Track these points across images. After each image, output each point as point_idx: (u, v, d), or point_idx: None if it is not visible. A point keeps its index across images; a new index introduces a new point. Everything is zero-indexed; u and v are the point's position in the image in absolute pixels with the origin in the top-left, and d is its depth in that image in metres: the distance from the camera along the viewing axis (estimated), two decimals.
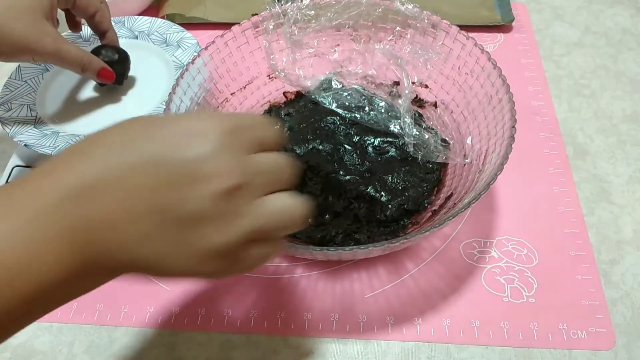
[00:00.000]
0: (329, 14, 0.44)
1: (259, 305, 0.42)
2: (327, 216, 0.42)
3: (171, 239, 0.23)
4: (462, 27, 0.43)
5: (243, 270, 0.26)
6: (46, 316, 0.43)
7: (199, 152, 0.23)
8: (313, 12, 0.44)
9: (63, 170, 0.23)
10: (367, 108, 0.44)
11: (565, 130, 0.52)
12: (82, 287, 0.26)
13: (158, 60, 0.56)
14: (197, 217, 0.23)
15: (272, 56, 0.44)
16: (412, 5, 0.44)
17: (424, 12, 0.44)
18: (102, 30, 0.51)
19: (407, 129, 0.41)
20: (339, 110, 0.44)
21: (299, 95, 0.50)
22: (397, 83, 0.46)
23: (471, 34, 0.43)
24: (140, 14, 0.61)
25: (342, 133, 0.45)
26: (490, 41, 0.61)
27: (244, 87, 0.48)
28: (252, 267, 0.26)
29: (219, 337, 0.41)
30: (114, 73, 0.51)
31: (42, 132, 0.49)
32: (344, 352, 0.40)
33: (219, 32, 0.45)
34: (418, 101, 0.49)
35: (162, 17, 0.63)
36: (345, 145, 0.44)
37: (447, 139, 0.45)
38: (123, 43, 0.57)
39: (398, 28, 0.46)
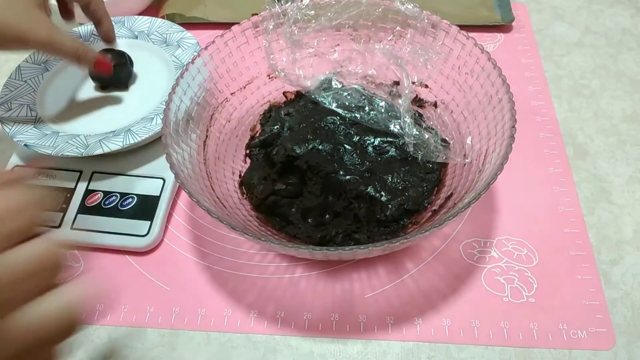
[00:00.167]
0: (329, 14, 0.44)
1: (259, 305, 0.42)
2: (327, 216, 0.42)
3: None
4: (462, 27, 0.43)
5: None
6: None
7: None
8: (313, 12, 0.44)
9: None
10: (367, 108, 0.44)
11: (565, 130, 0.52)
12: None
13: (158, 60, 0.56)
14: None
15: (272, 56, 0.44)
16: (412, 5, 0.44)
17: (424, 12, 0.44)
18: (97, 18, 0.50)
19: (407, 129, 0.41)
20: (339, 110, 0.44)
21: (299, 95, 0.50)
22: (397, 83, 0.46)
23: (471, 34, 0.43)
24: (140, 14, 0.61)
25: (342, 133, 0.45)
26: (490, 41, 0.61)
27: (244, 87, 0.48)
28: None
29: (219, 337, 0.41)
30: (112, 66, 0.51)
31: (42, 132, 0.49)
32: (344, 352, 0.40)
33: (219, 32, 0.45)
34: (418, 101, 0.49)
35: (162, 17, 0.63)
36: (345, 145, 0.44)
37: (447, 139, 0.45)
38: (123, 43, 0.57)
39: (398, 28, 0.46)
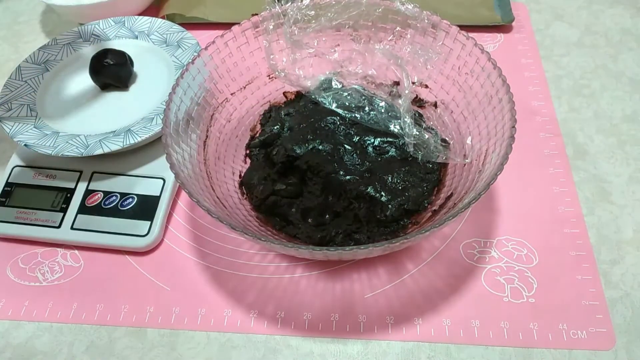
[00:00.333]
0: (329, 14, 0.44)
1: (259, 305, 0.42)
2: (327, 216, 0.42)
3: None
4: (462, 27, 0.43)
5: None
6: (46, 316, 0.43)
7: None
8: (313, 12, 0.44)
9: None
10: (367, 108, 0.44)
11: (565, 130, 0.52)
12: None
13: (158, 60, 0.56)
14: None
15: (272, 56, 0.44)
16: (412, 5, 0.44)
17: (424, 12, 0.44)
18: None
19: (407, 129, 0.41)
20: (339, 110, 0.44)
21: (299, 95, 0.50)
22: (397, 83, 0.46)
23: (471, 34, 0.43)
24: (140, 14, 0.61)
25: (342, 133, 0.45)
26: (490, 41, 0.61)
27: (244, 87, 0.48)
28: None
29: (219, 337, 0.41)
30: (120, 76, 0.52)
31: (42, 132, 0.49)
32: (344, 352, 0.40)
33: (219, 32, 0.45)
34: (418, 101, 0.49)
35: (162, 17, 0.63)
36: (345, 145, 0.44)
37: (447, 139, 0.45)
38: (123, 43, 0.57)
39: (398, 28, 0.46)
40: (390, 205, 0.42)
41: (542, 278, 0.42)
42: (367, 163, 0.44)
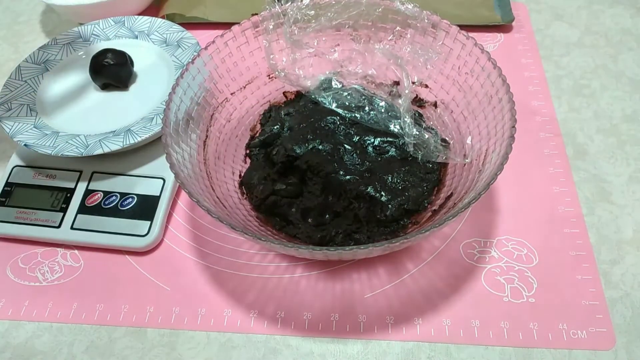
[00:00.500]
0: (329, 14, 0.44)
1: (259, 305, 0.42)
2: (327, 216, 0.42)
3: None
4: (462, 27, 0.43)
5: None
6: (46, 316, 0.43)
7: None
8: (313, 12, 0.44)
9: None
10: (367, 108, 0.44)
11: (565, 130, 0.52)
12: None
13: (158, 60, 0.56)
14: None
15: (272, 56, 0.44)
16: (412, 5, 0.44)
17: (424, 12, 0.44)
18: None
19: (407, 129, 0.41)
20: (339, 110, 0.44)
21: (299, 95, 0.50)
22: (397, 83, 0.46)
23: (471, 34, 0.43)
24: (140, 14, 0.61)
25: (342, 133, 0.45)
26: (490, 41, 0.61)
27: (244, 87, 0.48)
28: None
29: (219, 337, 0.41)
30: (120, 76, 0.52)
31: (42, 132, 0.49)
32: (344, 352, 0.40)
33: (219, 32, 0.45)
34: (418, 101, 0.49)
35: (162, 17, 0.63)
36: (345, 145, 0.44)
37: (447, 139, 0.45)
38: (123, 43, 0.57)
39: (398, 28, 0.46)
40: (390, 205, 0.42)
41: (542, 278, 0.42)
42: (367, 163, 0.44)
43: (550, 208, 0.46)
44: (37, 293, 0.44)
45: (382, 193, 0.42)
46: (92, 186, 0.48)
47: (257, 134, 0.49)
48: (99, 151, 0.46)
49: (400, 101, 0.41)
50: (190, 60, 0.44)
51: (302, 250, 0.34)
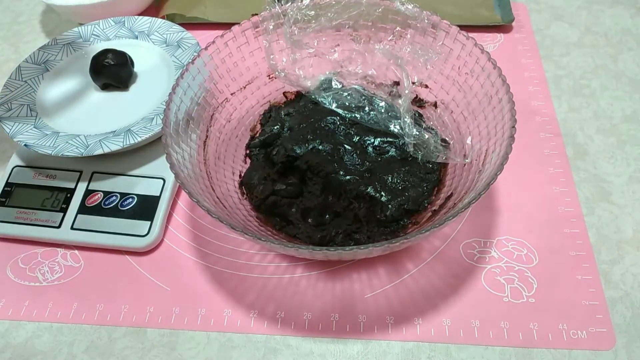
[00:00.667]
0: (329, 14, 0.44)
1: (259, 305, 0.42)
2: (327, 216, 0.42)
3: None
4: (462, 27, 0.43)
5: None
6: (46, 316, 0.43)
7: None
8: (313, 12, 0.44)
9: None
10: (367, 108, 0.44)
11: (565, 130, 0.52)
12: None
13: (158, 60, 0.56)
14: None
15: (272, 56, 0.44)
16: (412, 5, 0.44)
17: (424, 12, 0.44)
18: None
19: (407, 129, 0.41)
20: (339, 110, 0.44)
21: (299, 95, 0.50)
22: (397, 83, 0.46)
23: (471, 34, 0.43)
24: (140, 14, 0.61)
25: (342, 133, 0.45)
26: (490, 41, 0.61)
27: (244, 87, 0.48)
28: None
29: (219, 337, 0.41)
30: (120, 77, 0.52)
31: (42, 132, 0.49)
32: (344, 352, 0.40)
33: (219, 32, 0.45)
34: (418, 101, 0.49)
35: (162, 17, 0.63)
36: (345, 145, 0.44)
37: (447, 139, 0.45)
38: (123, 43, 0.57)
39: (398, 28, 0.46)
40: (390, 205, 0.42)
41: (542, 278, 0.42)
42: (367, 163, 0.44)
43: (550, 208, 0.46)
44: (37, 293, 0.44)
45: (382, 193, 0.42)
46: (92, 186, 0.48)
47: (257, 134, 0.49)
48: (99, 151, 0.46)
49: (400, 101, 0.41)
50: (190, 60, 0.44)
51: (302, 250, 0.34)
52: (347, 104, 0.44)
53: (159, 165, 0.48)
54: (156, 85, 0.53)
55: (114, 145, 0.46)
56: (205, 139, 0.45)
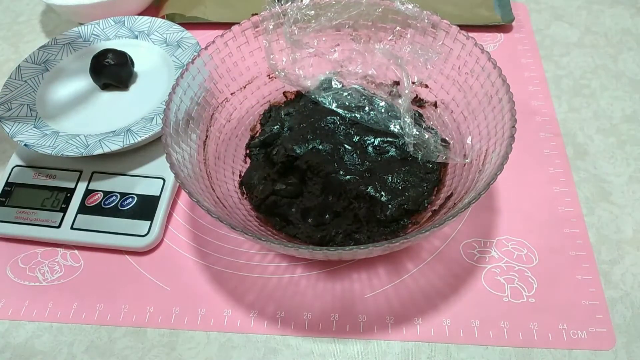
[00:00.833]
0: (329, 14, 0.44)
1: (259, 305, 0.42)
2: (327, 216, 0.42)
3: None
4: (462, 27, 0.43)
5: None
6: (46, 316, 0.43)
7: None
8: (313, 12, 0.44)
9: None
10: (367, 108, 0.44)
11: (565, 130, 0.52)
12: None
13: (158, 60, 0.56)
14: None
15: (272, 56, 0.44)
16: (412, 5, 0.44)
17: (424, 12, 0.44)
18: None
19: (407, 129, 0.41)
20: (339, 110, 0.44)
21: (299, 95, 0.50)
22: (397, 83, 0.46)
23: (471, 34, 0.43)
24: (140, 14, 0.61)
25: (342, 133, 0.45)
26: (490, 41, 0.61)
27: (244, 87, 0.48)
28: None
29: (219, 337, 0.41)
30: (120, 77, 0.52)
31: (42, 132, 0.49)
32: (344, 352, 0.40)
33: (219, 32, 0.45)
34: (418, 101, 0.49)
35: (162, 17, 0.63)
36: (345, 145, 0.44)
37: (447, 138, 0.45)
38: (123, 43, 0.57)
39: (398, 28, 0.46)
40: (390, 205, 0.42)
41: (542, 278, 0.42)
42: (367, 163, 0.44)
43: (550, 208, 0.46)
44: (37, 293, 0.44)
45: (382, 193, 0.42)
46: (92, 186, 0.48)
47: (257, 134, 0.49)
48: (99, 151, 0.46)
49: (400, 101, 0.41)
50: (190, 60, 0.44)
51: (302, 250, 0.34)
52: (347, 103, 0.44)
53: (159, 165, 0.48)
54: (156, 85, 0.53)
55: (114, 145, 0.46)
56: (205, 139, 0.45)
